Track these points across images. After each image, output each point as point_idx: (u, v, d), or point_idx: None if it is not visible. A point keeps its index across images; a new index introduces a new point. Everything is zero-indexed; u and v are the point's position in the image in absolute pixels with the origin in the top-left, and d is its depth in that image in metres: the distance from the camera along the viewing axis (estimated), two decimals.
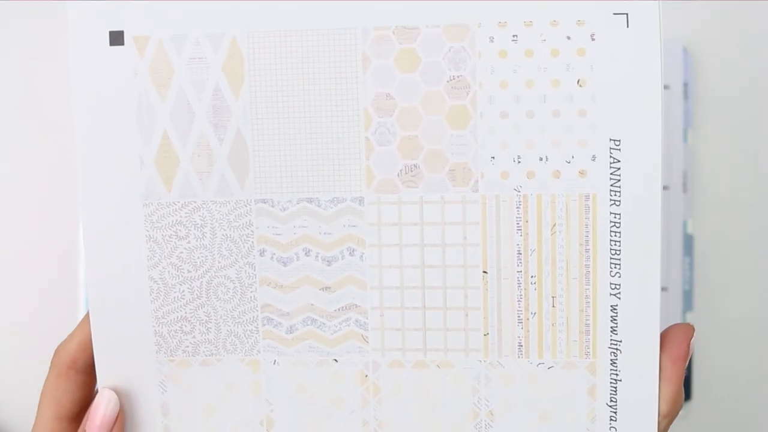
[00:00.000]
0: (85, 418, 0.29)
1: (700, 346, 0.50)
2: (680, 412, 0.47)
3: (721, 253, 0.51)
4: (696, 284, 0.50)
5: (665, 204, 0.49)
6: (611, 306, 0.28)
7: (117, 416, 0.29)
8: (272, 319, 0.29)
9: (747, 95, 0.51)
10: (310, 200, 0.28)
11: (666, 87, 0.49)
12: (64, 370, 0.30)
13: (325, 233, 0.28)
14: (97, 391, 0.30)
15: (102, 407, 0.29)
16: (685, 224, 0.50)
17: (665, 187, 0.50)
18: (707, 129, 0.51)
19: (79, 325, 0.30)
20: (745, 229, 0.51)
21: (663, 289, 0.50)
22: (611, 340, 0.28)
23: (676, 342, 0.28)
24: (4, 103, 0.52)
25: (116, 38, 0.28)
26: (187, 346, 0.29)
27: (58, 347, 0.30)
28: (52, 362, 0.30)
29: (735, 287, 0.51)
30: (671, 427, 0.50)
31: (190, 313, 0.29)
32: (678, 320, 0.50)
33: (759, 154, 0.51)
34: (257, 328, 0.29)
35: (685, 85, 0.50)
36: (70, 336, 0.30)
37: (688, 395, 0.50)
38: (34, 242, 0.52)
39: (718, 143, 0.51)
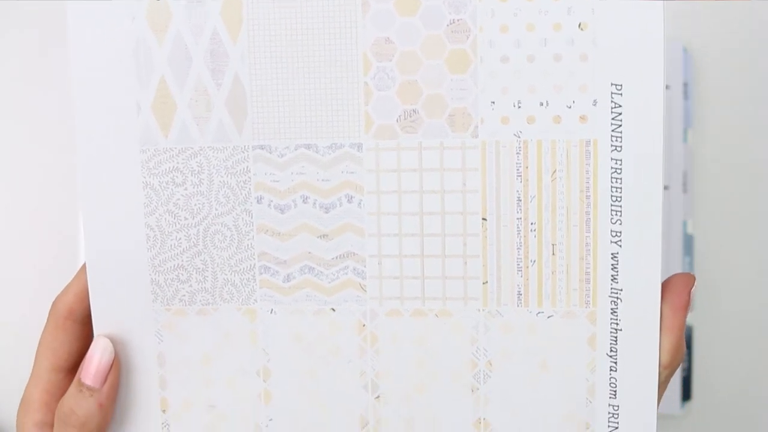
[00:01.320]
0: (80, 366, 0.29)
1: (700, 346, 0.51)
2: (680, 412, 0.50)
3: (721, 253, 0.51)
4: (696, 284, 0.50)
5: (665, 205, 0.50)
6: (612, 254, 0.27)
7: (112, 364, 0.29)
8: (269, 268, 0.29)
9: (747, 95, 0.51)
10: (308, 146, 0.28)
11: (666, 87, 0.49)
12: (61, 321, 0.29)
13: (323, 180, 0.28)
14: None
15: (97, 355, 0.29)
16: (685, 224, 0.50)
17: (665, 188, 0.50)
18: (707, 129, 0.51)
19: (76, 275, 0.30)
20: (745, 229, 0.51)
21: None
22: (612, 288, 0.27)
23: (677, 291, 0.27)
24: (4, 102, 0.52)
25: None
26: (184, 295, 0.29)
27: (56, 299, 0.30)
28: (49, 314, 0.30)
29: (735, 287, 0.51)
30: (671, 426, 0.50)
31: (186, 261, 0.29)
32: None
33: (759, 154, 0.51)
34: (254, 276, 0.29)
35: (685, 85, 0.50)
36: (67, 287, 0.30)
37: (688, 395, 0.51)
38: (34, 242, 0.52)
39: (718, 143, 0.51)
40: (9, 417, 0.53)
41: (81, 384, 0.28)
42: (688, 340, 0.50)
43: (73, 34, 0.28)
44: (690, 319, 0.50)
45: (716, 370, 0.51)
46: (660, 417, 0.49)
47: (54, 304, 0.30)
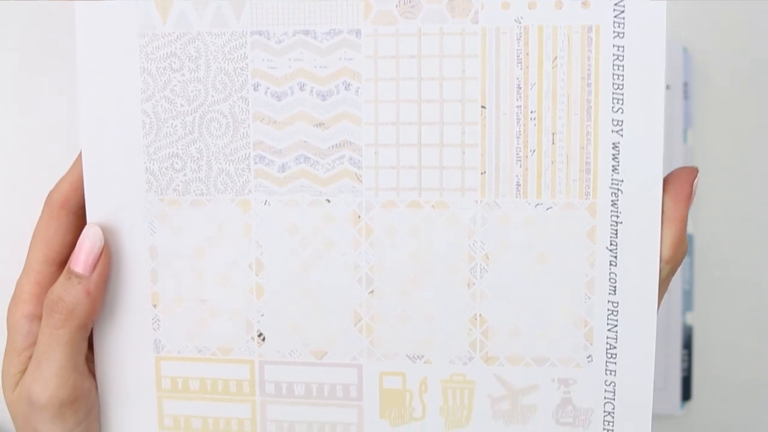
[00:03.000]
0: (73, 251, 0.28)
1: (700, 346, 0.51)
2: (680, 412, 0.50)
3: (721, 252, 0.51)
4: (696, 284, 0.51)
5: None
6: (613, 143, 0.27)
7: (101, 252, 0.28)
8: (264, 157, 0.28)
9: (747, 95, 0.51)
10: (306, 32, 0.28)
11: (666, 87, 0.49)
12: (56, 211, 0.29)
13: (320, 66, 0.28)
14: None
15: (88, 242, 0.28)
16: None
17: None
18: (707, 129, 0.51)
19: (72, 165, 0.29)
20: (745, 229, 0.51)
21: None
22: (612, 179, 0.27)
23: (680, 182, 0.27)
24: (4, 101, 0.52)
25: None
26: (178, 185, 0.29)
27: (51, 190, 0.30)
28: (44, 205, 0.30)
29: (735, 287, 0.51)
30: (671, 426, 0.50)
31: (181, 149, 0.29)
32: (678, 321, 0.50)
33: (759, 154, 0.51)
34: (249, 166, 0.28)
35: (685, 85, 0.50)
36: (63, 178, 0.30)
37: (688, 395, 0.50)
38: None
39: (718, 143, 0.51)
40: (9, 417, 0.53)
41: (70, 271, 0.28)
42: (687, 340, 0.50)
43: None
44: (690, 319, 0.50)
45: (716, 370, 0.51)
46: (660, 417, 0.50)
47: (49, 194, 0.29)
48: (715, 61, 0.51)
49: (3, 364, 0.30)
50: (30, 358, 0.29)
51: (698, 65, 0.51)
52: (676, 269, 0.27)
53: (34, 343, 0.29)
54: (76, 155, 0.29)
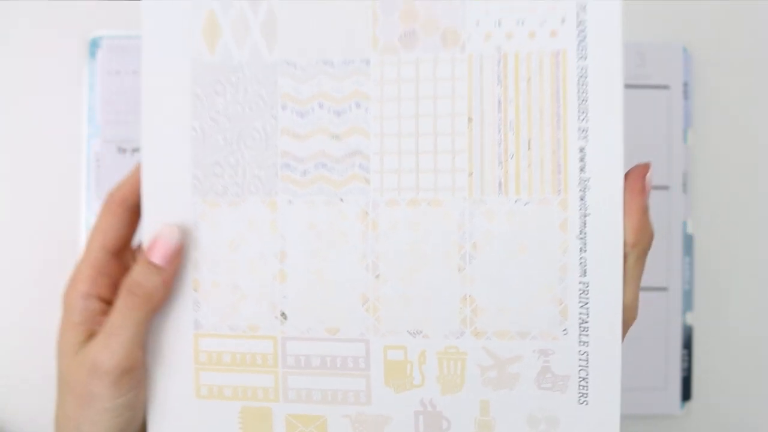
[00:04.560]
0: (148, 245, 0.33)
1: (700, 346, 0.51)
2: (680, 412, 0.51)
3: (721, 253, 0.51)
4: (696, 284, 0.51)
5: (666, 204, 0.50)
6: (580, 148, 0.32)
7: (179, 248, 0.34)
8: (289, 164, 0.34)
9: (747, 95, 0.51)
10: (325, 62, 0.34)
11: (666, 87, 0.50)
12: (114, 207, 0.35)
13: (336, 90, 0.34)
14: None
15: (166, 238, 0.33)
16: (685, 224, 0.51)
17: (665, 188, 0.50)
18: (707, 129, 0.51)
19: (131, 172, 0.36)
20: (745, 229, 0.51)
21: (663, 288, 0.50)
22: (580, 178, 0.32)
23: (634, 177, 0.31)
24: (5, 102, 0.52)
25: None
26: (218, 188, 0.34)
27: (111, 191, 0.35)
28: (104, 202, 0.35)
29: (735, 287, 0.51)
30: (671, 426, 0.50)
31: (222, 158, 0.34)
32: (679, 320, 0.51)
33: (759, 154, 0.51)
34: (276, 172, 0.34)
35: (685, 84, 0.50)
36: (122, 181, 0.35)
37: (688, 395, 0.51)
38: (34, 242, 0.52)
39: (718, 143, 0.51)
40: (9, 417, 0.52)
41: (149, 262, 0.33)
42: (688, 340, 0.51)
43: None
44: (690, 319, 0.51)
45: (716, 370, 0.51)
46: (660, 417, 0.50)
47: (109, 194, 0.35)
48: (716, 61, 0.51)
49: (61, 335, 0.34)
50: (86, 330, 0.34)
51: (698, 65, 0.51)
52: (646, 251, 0.31)
53: (90, 318, 0.34)
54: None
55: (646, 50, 0.51)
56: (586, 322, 0.31)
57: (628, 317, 0.32)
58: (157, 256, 0.33)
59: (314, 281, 0.34)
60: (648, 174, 0.31)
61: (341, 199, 0.34)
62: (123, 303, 0.33)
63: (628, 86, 0.50)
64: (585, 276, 0.32)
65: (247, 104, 0.34)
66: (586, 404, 0.32)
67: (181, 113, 0.35)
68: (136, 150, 0.51)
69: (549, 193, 0.32)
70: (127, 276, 0.33)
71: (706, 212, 0.51)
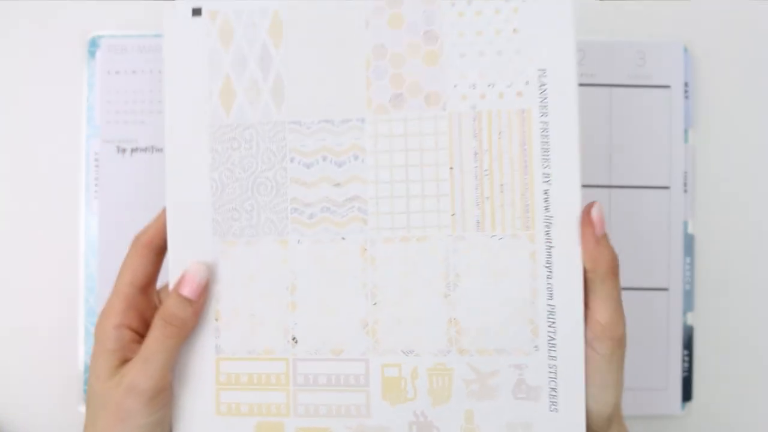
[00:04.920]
0: (179, 281, 0.38)
1: (700, 346, 0.51)
2: (680, 412, 0.51)
3: (722, 253, 0.51)
4: (697, 284, 0.51)
5: (666, 204, 0.50)
6: (544, 190, 0.37)
7: (206, 283, 0.39)
8: (298, 209, 0.39)
9: (748, 95, 0.51)
10: (327, 121, 0.39)
11: (667, 86, 0.50)
12: (141, 249, 0.40)
13: (337, 144, 0.39)
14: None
15: (198, 274, 0.38)
16: (685, 224, 0.51)
17: (666, 188, 0.51)
18: (708, 129, 0.51)
19: (156, 216, 0.41)
20: (745, 229, 0.51)
21: (664, 289, 0.51)
22: (545, 216, 0.37)
23: (584, 213, 0.37)
24: (4, 101, 0.52)
25: (196, 12, 0.40)
26: (236, 230, 0.40)
27: (138, 234, 0.40)
28: (131, 245, 0.40)
29: (735, 287, 0.51)
30: (672, 427, 0.52)
31: (239, 204, 0.40)
32: (679, 320, 0.51)
33: (760, 154, 0.51)
34: (287, 215, 0.40)
35: (686, 84, 0.50)
36: (148, 225, 0.40)
37: (688, 396, 0.51)
38: (33, 241, 0.52)
39: (719, 143, 0.51)
40: (9, 417, 0.52)
41: (181, 295, 0.38)
42: (688, 340, 0.51)
43: (168, 48, 0.41)
44: (691, 319, 0.51)
45: (717, 370, 0.51)
46: (661, 417, 0.51)
47: (136, 237, 0.40)
48: (716, 60, 0.51)
49: (94, 360, 0.39)
50: (120, 357, 0.38)
51: (699, 65, 0.51)
52: (609, 273, 0.36)
53: (123, 346, 0.38)
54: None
55: (646, 50, 0.51)
56: (554, 339, 0.37)
57: (613, 334, 0.36)
58: (188, 291, 0.38)
59: (321, 309, 0.39)
60: (595, 208, 0.37)
61: (343, 238, 0.39)
62: (160, 332, 0.38)
63: (628, 86, 0.51)
64: (552, 299, 0.37)
65: (259, 157, 0.40)
66: (556, 411, 0.37)
67: (201, 167, 0.40)
68: (135, 150, 0.51)
69: (519, 229, 0.38)
70: (161, 308, 0.38)
71: (707, 212, 0.51)
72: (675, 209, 0.50)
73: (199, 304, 0.39)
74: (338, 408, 0.39)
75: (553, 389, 0.37)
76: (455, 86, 0.38)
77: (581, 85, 0.49)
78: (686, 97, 0.50)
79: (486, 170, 0.38)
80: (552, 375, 0.37)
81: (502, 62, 0.38)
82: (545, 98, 0.37)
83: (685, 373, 0.51)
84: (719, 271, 0.51)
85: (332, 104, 0.39)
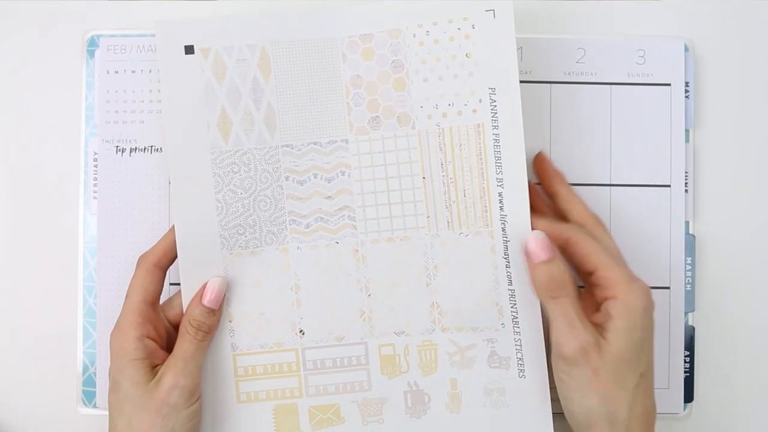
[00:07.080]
0: (202, 293, 0.44)
1: (702, 346, 0.51)
2: (680, 412, 0.51)
3: (723, 253, 0.51)
4: (698, 284, 0.51)
5: (667, 204, 0.50)
6: (499, 193, 0.45)
7: (225, 294, 0.45)
8: (295, 220, 0.46)
9: (749, 94, 0.51)
10: (315, 143, 0.46)
11: (667, 85, 0.50)
12: (150, 267, 0.45)
13: (325, 163, 0.46)
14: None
15: (218, 287, 0.44)
16: (687, 224, 0.50)
17: (667, 187, 0.50)
18: (709, 127, 0.50)
19: (162, 238, 0.46)
20: (746, 229, 0.51)
21: (665, 288, 0.50)
22: (501, 215, 0.45)
23: (524, 245, 0.44)
24: (3, 101, 0.52)
25: (189, 50, 0.45)
26: (241, 243, 0.46)
27: (145, 254, 0.45)
28: (138, 264, 0.45)
29: (736, 287, 0.51)
30: (674, 427, 0.51)
31: (242, 221, 0.46)
32: (680, 320, 0.50)
33: (761, 153, 0.51)
34: (286, 227, 0.46)
35: (687, 83, 0.50)
36: (155, 246, 0.45)
37: (690, 396, 0.51)
38: (33, 241, 0.52)
39: (720, 142, 0.50)
40: (9, 417, 0.52)
41: (204, 306, 0.44)
42: (690, 341, 0.50)
43: (164, 84, 0.45)
44: (692, 319, 0.51)
45: (718, 370, 0.51)
46: (663, 418, 0.50)
47: (143, 257, 0.45)
48: (718, 59, 0.50)
49: (122, 371, 0.43)
50: (149, 363, 0.43)
51: (700, 64, 0.50)
52: (548, 295, 0.42)
53: (149, 354, 0.43)
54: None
55: (647, 48, 0.51)
56: (517, 318, 0.46)
57: (560, 353, 0.41)
58: (210, 301, 0.44)
59: (323, 304, 0.46)
60: (530, 239, 0.43)
61: (337, 242, 0.46)
62: (192, 337, 0.44)
63: (629, 84, 0.50)
64: (511, 285, 0.45)
65: (258, 178, 0.46)
66: (524, 377, 0.46)
67: (206, 190, 0.46)
68: (134, 149, 0.51)
69: (480, 227, 0.46)
70: (186, 317, 0.44)
71: (709, 212, 0.51)
72: (676, 209, 0.50)
73: (220, 311, 0.45)
74: (344, 386, 0.46)
75: (520, 359, 0.46)
76: (421, 107, 0.46)
77: (583, 83, 0.50)
78: (687, 96, 0.50)
79: (451, 178, 0.46)
80: (518, 347, 0.46)
81: (459, 84, 0.45)
82: (495, 113, 0.45)
83: (687, 374, 0.50)
84: (720, 271, 0.51)
85: (319, 128, 0.46)
